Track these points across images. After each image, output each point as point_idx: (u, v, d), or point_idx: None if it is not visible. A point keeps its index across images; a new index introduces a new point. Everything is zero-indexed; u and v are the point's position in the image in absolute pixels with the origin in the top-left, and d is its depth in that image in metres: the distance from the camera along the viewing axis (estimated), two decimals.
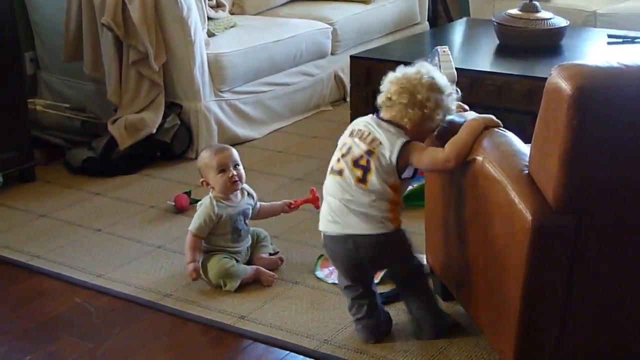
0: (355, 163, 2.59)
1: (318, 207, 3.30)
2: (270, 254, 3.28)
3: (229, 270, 3.09)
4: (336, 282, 3.10)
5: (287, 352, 2.76)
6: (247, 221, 3.22)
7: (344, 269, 2.74)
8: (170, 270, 3.24)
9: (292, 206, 3.34)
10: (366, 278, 2.77)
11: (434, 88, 2.58)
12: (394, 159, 2.55)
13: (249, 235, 3.24)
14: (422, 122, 2.58)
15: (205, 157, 3.18)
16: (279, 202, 3.36)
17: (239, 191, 3.19)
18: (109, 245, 3.47)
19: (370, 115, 2.68)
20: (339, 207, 2.62)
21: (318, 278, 3.17)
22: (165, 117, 4.32)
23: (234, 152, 3.21)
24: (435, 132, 2.66)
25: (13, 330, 2.93)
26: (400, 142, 2.56)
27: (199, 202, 3.21)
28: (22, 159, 4.07)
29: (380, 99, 2.64)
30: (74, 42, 4.50)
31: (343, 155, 2.63)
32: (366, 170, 2.58)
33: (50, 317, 3.00)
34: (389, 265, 2.81)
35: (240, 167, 3.18)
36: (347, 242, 2.63)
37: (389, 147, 2.56)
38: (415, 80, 2.58)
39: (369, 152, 2.58)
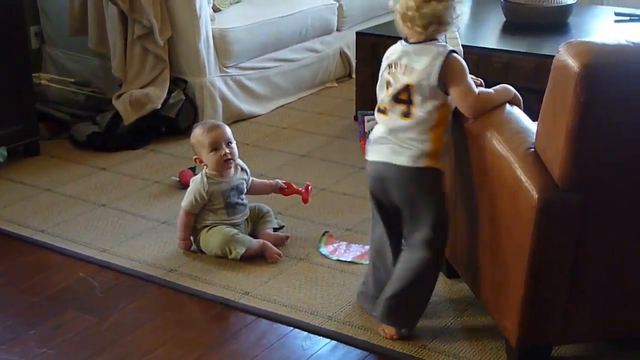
0: (397, 99, 2.55)
1: (305, 202, 3.31)
2: (275, 229, 3.28)
3: (234, 237, 3.11)
4: (340, 258, 3.10)
5: (291, 328, 2.77)
6: (242, 195, 3.23)
7: (379, 197, 2.67)
8: (174, 246, 3.24)
9: (285, 192, 3.35)
10: (394, 221, 2.68)
11: None
12: (434, 81, 2.49)
13: (247, 209, 3.25)
14: (446, 24, 2.54)
15: (198, 134, 3.19)
16: (271, 181, 3.38)
17: (232, 167, 3.20)
18: (114, 220, 3.47)
19: (400, 41, 2.60)
20: (386, 139, 2.58)
21: (322, 255, 3.17)
22: (170, 92, 4.32)
23: (227, 129, 3.21)
24: None
25: (18, 304, 2.93)
26: (438, 62, 2.49)
27: (192, 178, 3.23)
28: (26, 133, 4.07)
29: (400, 23, 2.56)
30: (78, 17, 4.49)
31: (386, 92, 2.58)
32: (409, 103, 2.53)
33: (55, 291, 3.00)
34: (416, 205, 2.60)
35: (233, 144, 3.19)
36: (389, 169, 2.57)
37: (427, 73, 2.49)
38: None
39: (407, 86, 2.52)
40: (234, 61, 4.52)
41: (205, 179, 3.14)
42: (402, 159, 2.55)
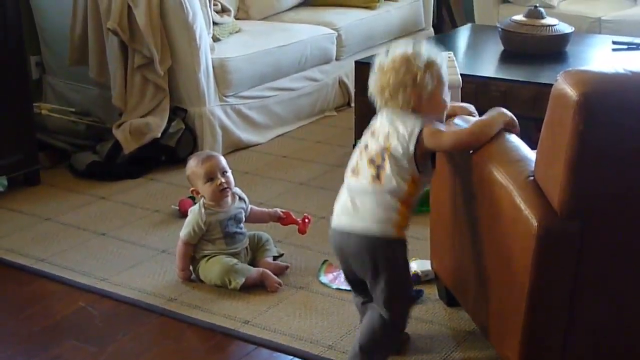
0: (371, 161, 2.50)
1: (302, 234, 3.32)
2: (274, 257, 3.28)
3: (234, 267, 3.11)
4: (340, 287, 3.10)
5: (292, 357, 2.76)
6: (241, 225, 3.23)
7: (343, 268, 2.65)
8: (174, 275, 3.23)
9: (283, 221, 3.35)
10: (364, 286, 2.63)
11: (427, 62, 2.49)
12: (411, 148, 2.45)
13: (246, 238, 3.25)
14: (430, 96, 2.49)
15: (192, 166, 3.20)
16: (270, 210, 3.37)
17: (229, 197, 3.20)
18: (113, 249, 3.47)
19: (385, 110, 2.57)
20: (349, 204, 2.53)
21: (322, 283, 3.17)
22: (170, 121, 4.32)
23: (221, 159, 3.22)
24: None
25: (17, 333, 2.93)
26: (417, 130, 2.46)
27: (190, 209, 3.23)
28: (27, 163, 4.07)
29: (378, 97, 2.55)
30: (79, 47, 4.51)
31: (361, 155, 2.55)
32: (380, 168, 2.49)
33: (54, 321, 2.99)
34: (376, 275, 2.54)
35: (229, 173, 3.19)
36: (348, 238, 2.52)
37: (405, 138, 2.46)
38: (404, 60, 2.50)
39: (384, 149, 2.49)
40: (234, 90, 4.54)
41: (202, 210, 3.13)
42: (363, 226, 2.49)
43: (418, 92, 2.48)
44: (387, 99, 2.52)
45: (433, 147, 2.49)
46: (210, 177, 3.14)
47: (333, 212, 2.59)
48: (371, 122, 2.62)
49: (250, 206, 3.31)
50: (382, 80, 2.53)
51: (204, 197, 3.16)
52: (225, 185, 3.15)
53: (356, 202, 2.51)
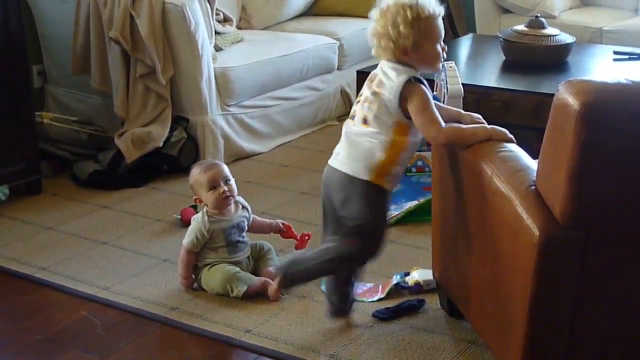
0: (363, 105, 2.63)
1: (298, 249, 3.33)
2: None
3: (236, 275, 3.11)
4: None
5: None
6: (243, 233, 3.23)
7: (322, 198, 2.80)
8: (176, 284, 3.24)
9: (283, 234, 3.37)
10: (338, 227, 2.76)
11: (410, 14, 2.55)
12: (393, 97, 2.54)
13: (248, 246, 3.25)
14: (415, 46, 2.56)
15: (195, 174, 3.20)
16: (271, 221, 3.38)
17: (232, 205, 3.20)
18: (115, 258, 3.47)
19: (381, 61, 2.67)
20: (340, 146, 2.71)
21: (324, 292, 3.16)
22: (172, 130, 4.33)
23: (224, 167, 3.23)
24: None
25: (19, 342, 2.93)
26: (401, 79, 2.54)
27: (193, 217, 3.24)
28: (29, 172, 4.08)
29: (371, 43, 2.65)
30: (81, 56, 4.51)
31: (358, 101, 2.67)
32: (369, 110, 2.60)
33: (57, 330, 3.00)
34: (346, 206, 2.70)
35: (232, 181, 3.20)
36: (334, 172, 2.71)
37: (390, 85, 2.56)
38: (394, 9, 2.57)
39: (374, 93, 2.60)
40: (236, 100, 4.55)
41: (206, 218, 3.14)
42: (347, 168, 2.65)
43: (402, 44, 2.56)
44: (377, 47, 2.63)
45: (410, 110, 2.55)
46: (213, 185, 3.14)
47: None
48: (372, 71, 2.71)
49: (252, 216, 3.31)
50: (374, 27, 2.62)
51: (207, 205, 3.17)
52: (228, 193, 3.15)
53: (345, 143, 2.69)
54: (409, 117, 2.56)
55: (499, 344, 2.52)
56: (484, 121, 2.70)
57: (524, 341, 2.34)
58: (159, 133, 4.29)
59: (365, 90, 2.65)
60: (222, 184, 3.15)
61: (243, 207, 3.26)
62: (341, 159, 2.69)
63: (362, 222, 2.67)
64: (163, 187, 4.24)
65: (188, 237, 3.17)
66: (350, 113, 2.71)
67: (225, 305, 3.08)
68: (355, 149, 2.65)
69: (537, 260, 2.23)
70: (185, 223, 3.74)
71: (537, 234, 2.21)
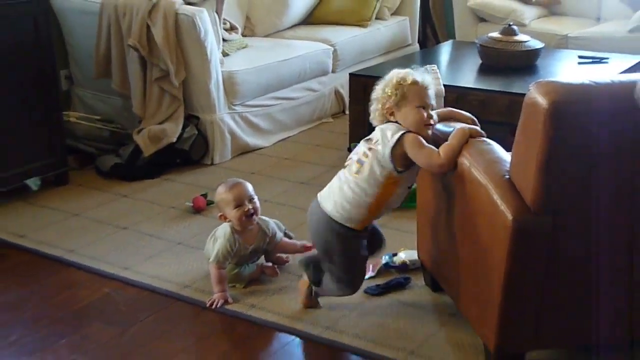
0: (358, 160, 2.59)
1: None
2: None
3: (236, 274, 3.06)
4: None
5: (293, 337, 2.76)
6: (258, 255, 3.11)
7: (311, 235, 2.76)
8: (188, 264, 3.23)
9: (307, 249, 3.20)
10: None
11: (396, 80, 2.58)
12: (387, 151, 2.51)
13: (254, 265, 3.12)
14: (398, 107, 2.56)
15: (221, 192, 3.03)
16: (296, 243, 3.22)
17: (254, 226, 3.05)
18: (134, 242, 3.47)
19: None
20: (330, 188, 2.65)
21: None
22: (184, 127, 4.32)
23: (248, 186, 3.06)
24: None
25: (50, 316, 2.92)
26: (397, 135, 2.52)
27: (214, 231, 3.11)
28: (57, 165, 4.07)
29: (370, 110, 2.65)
30: (103, 61, 4.50)
31: (354, 154, 2.64)
32: (363, 163, 2.57)
33: (83, 305, 3.00)
34: (325, 252, 2.69)
35: (255, 199, 3.04)
36: (317, 209, 2.65)
37: (385, 140, 2.53)
38: (385, 80, 2.62)
39: (369, 149, 2.57)
40: (241, 100, 4.54)
41: (234, 236, 2.99)
42: (331, 209, 2.61)
43: (387, 105, 2.58)
44: (372, 112, 2.63)
45: (410, 155, 2.52)
46: (238, 204, 2.98)
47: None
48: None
49: (282, 237, 3.18)
50: (372, 95, 2.64)
51: (232, 222, 3.02)
52: (252, 212, 3.00)
53: (335, 186, 2.63)
54: (399, 171, 2.53)
55: (476, 317, 2.52)
56: (478, 123, 2.68)
57: (499, 314, 2.34)
58: (173, 130, 4.28)
59: (362, 147, 2.61)
60: (246, 202, 3.00)
61: (264, 232, 3.08)
62: (326, 200, 2.63)
63: (341, 269, 2.69)
64: (176, 178, 4.23)
65: (216, 254, 2.98)
66: (346, 163, 2.66)
67: (231, 283, 3.07)
68: (342, 195, 2.59)
69: (510, 241, 2.23)
70: (196, 210, 3.74)
71: (511, 218, 2.22)
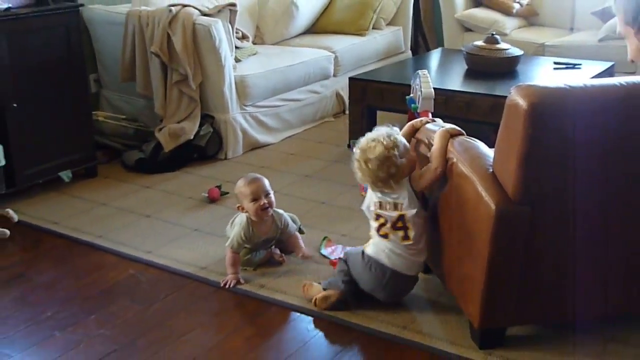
0: (395, 227, 2.60)
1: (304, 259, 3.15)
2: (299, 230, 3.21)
3: (248, 260, 3.05)
4: (340, 257, 3.08)
5: (298, 314, 2.76)
6: (270, 244, 3.08)
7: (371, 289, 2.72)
8: (204, 248, 3.23)
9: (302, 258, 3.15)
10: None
11: (393, 143, 2.55)
12: (414, 204, 2.57)
13: (265, 252, 3.10)
14: (406, 163, 2.57)
15: (240, 186, 3.01)
16: (303, 248, 3.12)
17: (270, 217, 3.02)
18: (156, 228, 3.46)
19: (373, 194, 2.64)
20: (392, 254, 2.64)
21: (323, 255, 3.16)
22: (200, 126, 4.31)
23: (265, 181, 3.03)
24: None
25: (80, 295, 2.93)
26: (407, 188, 2.58)
27: (234, 217, 3.11)
28: (87, 159, 4.07)
29: (371, 185, 2.61)
30: (128, 67, 4.49)
31: (382, 224, 2.62)
32: (405, 229, 2.60)
33: (110, 285, 3.00)
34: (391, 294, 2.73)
35: (271, 194, 3.01)
36: (394, 276, 2.66)
37: (406, 197, 2.57)
38: (365, 156, 2.57)
39: (401, 216, 2.59)
40: (252, 101, 4.53)
41: (250, 227, 2.98)
42: (407, 270, 2.67)
43: (401, 170, 2.56)
44: (381, 187, 2.59)
45: (418, 187, 2.59)
46: (255, 198, 2.96)
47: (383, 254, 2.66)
48: (369, 198, 2.66)
49: (295, 231, 3.14)
50: (370, 176, 2.58)
51: (248, 213, 3.00)
52: (267, 205, 2.97)
53: (396, 253, 2.63)
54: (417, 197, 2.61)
55: (463, 296, 2.52)
56: (463, 132, 2.63)
57: (483, 293, 2.34)
58: (190, 128, 4.28)
59: (389, 216, 2.60)
60: (262, 197, 2.97)
61: (277, 225, 3.05)
62: (403, 267, 2.66)
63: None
64: (193, 171, 4.22)
65: (232, 239, 2.98)
66: (379, 232, 2.64)
67: (244, 266, 3.07)
68: (409, 257, 2.64)
69: (493, 229, 2.23)
70: (212, 200, 3.74)
71: (494, 207, 2.22)
